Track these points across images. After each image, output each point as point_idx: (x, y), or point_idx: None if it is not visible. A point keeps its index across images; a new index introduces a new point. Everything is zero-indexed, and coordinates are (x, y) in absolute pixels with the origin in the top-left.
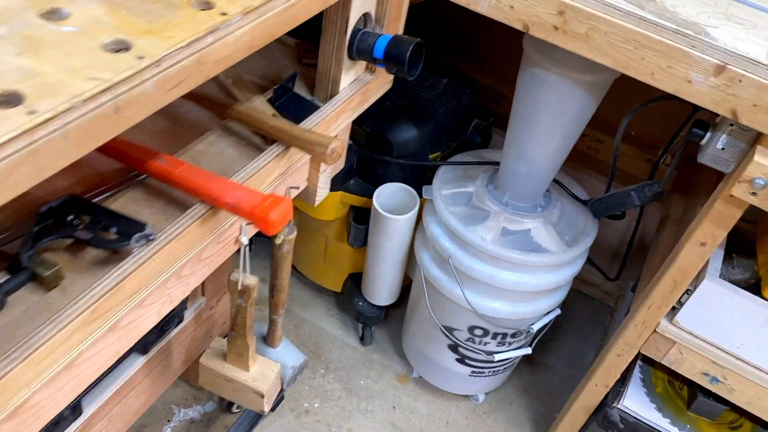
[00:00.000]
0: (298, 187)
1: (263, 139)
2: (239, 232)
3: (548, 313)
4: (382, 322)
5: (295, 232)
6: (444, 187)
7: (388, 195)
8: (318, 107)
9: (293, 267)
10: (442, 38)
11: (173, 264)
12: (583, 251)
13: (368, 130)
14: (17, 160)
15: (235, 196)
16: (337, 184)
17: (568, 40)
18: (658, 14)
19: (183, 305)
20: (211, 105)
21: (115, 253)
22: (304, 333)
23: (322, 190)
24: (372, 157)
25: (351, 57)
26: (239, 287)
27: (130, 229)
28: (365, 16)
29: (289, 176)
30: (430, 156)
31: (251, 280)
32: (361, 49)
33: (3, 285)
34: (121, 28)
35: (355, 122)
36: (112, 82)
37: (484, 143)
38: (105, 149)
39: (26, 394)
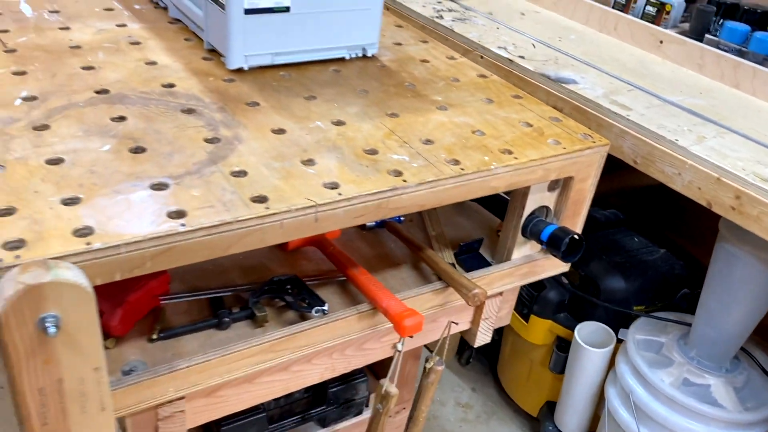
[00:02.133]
0: (458, 323)
1: (439, 279)
2: (398, 340)
3: None
4: None
5: (443, 366)
6: (638, 333)
7: (590, 332)
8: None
9: (499, 382)
10: (674, 218)
11: (336, 338)
12: (763, 419)
13: (582, 273)
14: (248, 232)
15: (388, 303)
16: (548, 314)
17: (743, 220)
18: None
19: (364, 400)
20: (412, 246)
21: (303, 318)
22: None
23: (483, 335)
24: (582, 296)
25: (524, 236)
26: (383, 392)
27: (315, 303)
28: (546, 209)
29: (451, 312)
30: (634, 307)
31: (393, 390)
32: (533, 231)
33: (233, 314)
34: (339, 176)
35: (573, 265)
36: (316, 203)
37: (690, 309)
38: (327, 254)
39: (218, 381)
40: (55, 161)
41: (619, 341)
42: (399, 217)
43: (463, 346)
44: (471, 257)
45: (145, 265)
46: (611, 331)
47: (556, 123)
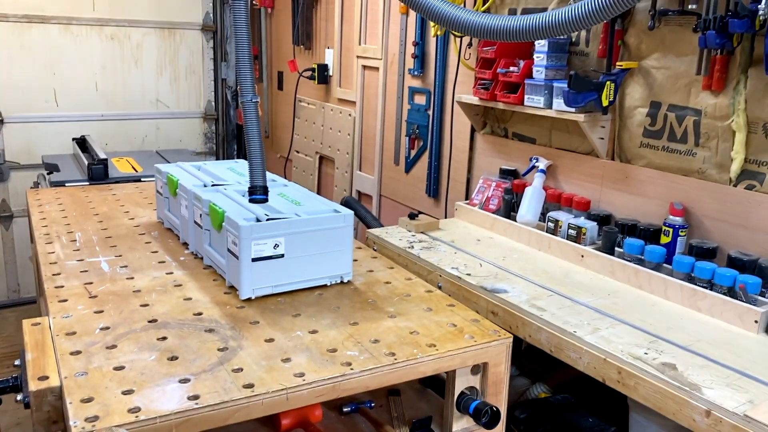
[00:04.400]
0: None
1: None
2: None
3: None
4: None
5: None
6: None
7: None
8: None
9: None
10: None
11: None
12: None
13: None
14: (239, 408)
15: None
16: None
17: (626, 390)
18: (672, 377)
19: None
20: (376, 425)
21: None
22: None
23: None
24: None
25: (459, 411)
26: None
27: None
28: (474, 389)
29: None
30: None
31: None
32: (464, 406)
33: None
34: (306, 368)
35: None
36: (287, 386)
37: None
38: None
39: None
40: (119, 368)
41: None
42: (369, 403)
43: None
44: (422, 431)
45: (171, 431)
46: None
47: (475, 323)
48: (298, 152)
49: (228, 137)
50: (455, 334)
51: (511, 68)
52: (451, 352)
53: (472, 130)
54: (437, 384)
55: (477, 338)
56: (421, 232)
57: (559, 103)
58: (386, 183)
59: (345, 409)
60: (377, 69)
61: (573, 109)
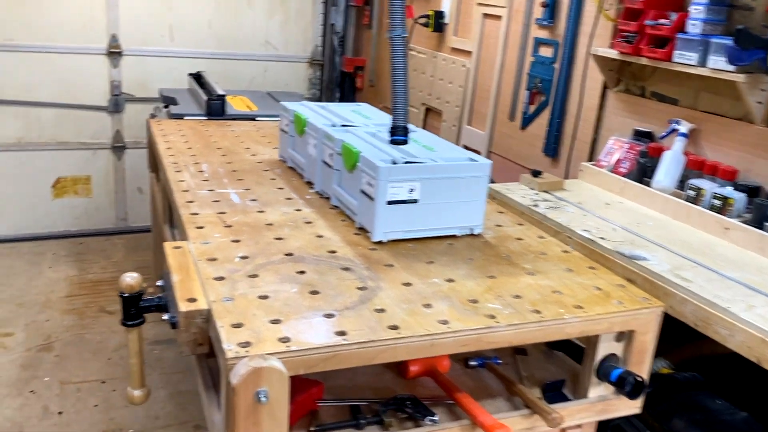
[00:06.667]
0: None
1: (526, 407)
2: None
3: None
4: None
5: None
6: None
7: None
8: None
9: None
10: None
11: None
12: None
13: (666, 429)
14: (386, 348)
15: (484, 418)
16: None
17: None
18: None
19: None
20: (506, 382)
21: (418, 426)
22: None
23: None
24: None
25: (598, 377)
26: None
27: (428, 414)
28: (615, 356)
29: None
30: None
31: None
32: (604, 373)
33: (368, 419)
34: (449, 316)
35: (658, 420)
36: (429, 332)
37: None
38: (438, 382)
39: None
40: (264, 297)
41: None
42: (496, 359)
43: None
44: (554, 394)
45: (318, 365)
46: None
47: (621, 289)
48: None
49: (332, 84)
50: (602, 298)
51: (662, 20)
52: (599, 315)
53: (603, 87)
54: (564, 347)
55: (626, 304)
56: (545, 191)
57: (715, 60)
58: (498, 139)
59: (471, 363)
60: (499, 17)
61: (733, 68)
